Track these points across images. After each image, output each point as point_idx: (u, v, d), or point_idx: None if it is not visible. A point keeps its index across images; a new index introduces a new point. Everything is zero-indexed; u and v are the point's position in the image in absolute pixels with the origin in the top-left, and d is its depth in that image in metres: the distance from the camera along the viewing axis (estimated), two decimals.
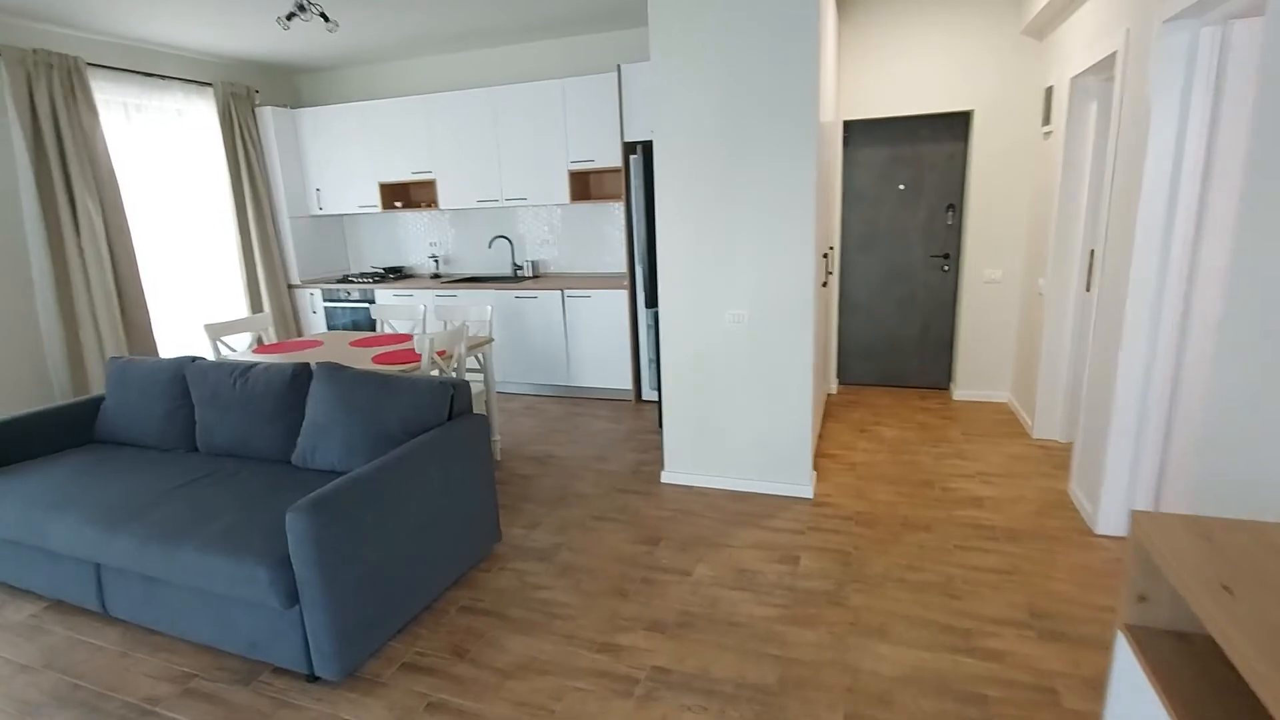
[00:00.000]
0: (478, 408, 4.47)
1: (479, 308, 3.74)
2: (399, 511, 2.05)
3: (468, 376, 5.02)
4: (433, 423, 2.35)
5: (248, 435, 2.65)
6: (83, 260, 4.07)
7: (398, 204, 5.33)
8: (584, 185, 4.81)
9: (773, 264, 2.82)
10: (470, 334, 3.79)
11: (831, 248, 4.22)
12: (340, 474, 2.41)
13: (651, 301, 3.88)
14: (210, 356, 4.33)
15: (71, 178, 3.99)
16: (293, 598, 1.82)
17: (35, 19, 3.84)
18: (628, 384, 4.56)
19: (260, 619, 1.91)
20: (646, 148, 3.83)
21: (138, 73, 4.41)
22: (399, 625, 2.07)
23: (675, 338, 3.06)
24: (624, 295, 4.40)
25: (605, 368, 4.59)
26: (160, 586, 2.08)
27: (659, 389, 4.16)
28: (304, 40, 4.57)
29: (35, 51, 3.78)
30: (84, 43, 4.15)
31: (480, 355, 3.49)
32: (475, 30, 4.49)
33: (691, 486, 3.16)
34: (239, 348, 3.96)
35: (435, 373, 3.15)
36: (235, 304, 5.17)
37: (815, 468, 3.20)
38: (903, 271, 4.45)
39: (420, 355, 2.98)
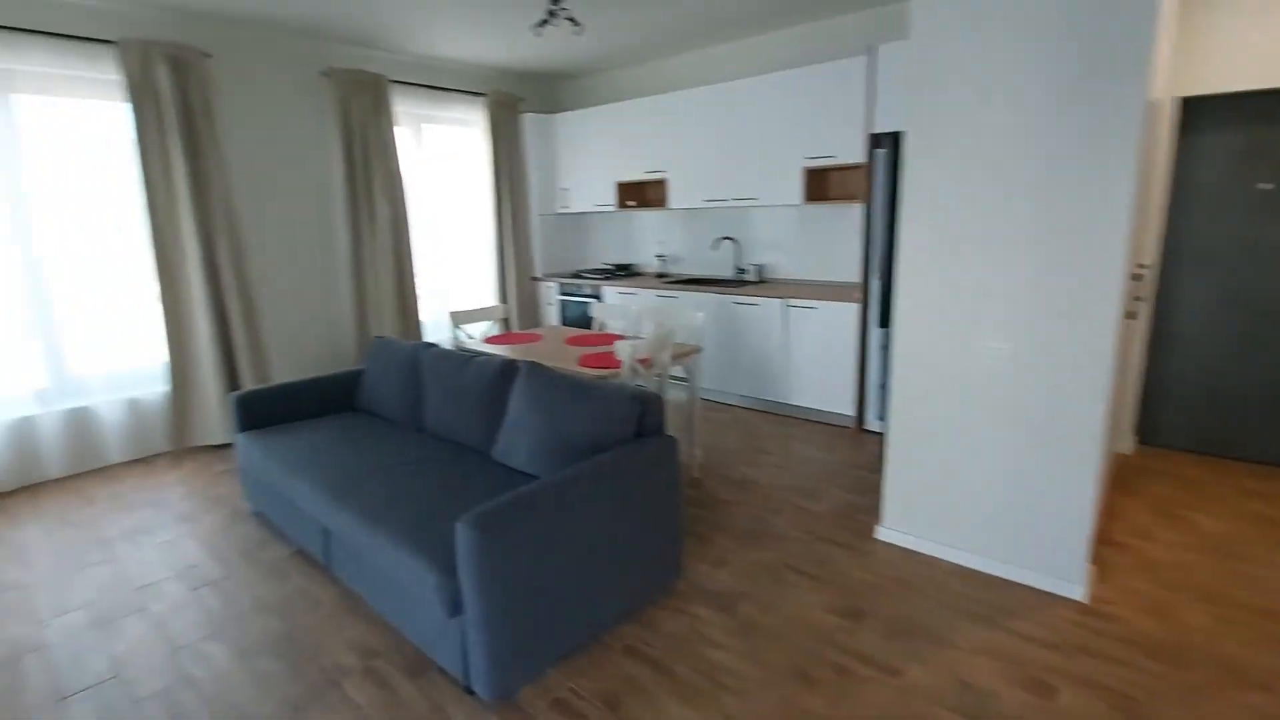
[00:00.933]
0: (680, 420, 4.31)
1: (690, 315, 3.56)
2: (570, 534, 1.92)
3: (672, 386, 4.90)
4: (618, 438, 2.20)
5: (460, 422, 2.78)
6: (374, 251, 4.75)
7: (631, 203, 5.39)
8: (821, 184, 4.36)
9: (1056, 285, 2.16)
10: (678, 340, 3.63)
11: (1144, 266, 3.24)
12: (529, 476, 2.39)
13: (886, 319, 3.34)
14: (449, 342, 4.81)
15: (372, 181, 4.66)
16: (456, 607, 1.79)
17: (354, 44, 4.54)
18: (849, 409, 4.04)
19: (432, 618, 1.92)
20: (896, 141, 3.29)
21: (427, 87, 5.01)
22: (562, 653, 1.96)
23: (911, 365, 2.54)
24: (854, 309, 3.88)
25: (825, 388, 4.12)
26: (367, 561, 2.22)
27: (885, 421, 3.60)
28: (560, 48, 4.80)
29: (349, 71, 4.46)
30: (388, 63, 4.81)
31: (687, 365, 3.30)
32: (717, 22, 4.30)
33: (913, 551, 2.62)
34: (476, 335, 4.29)
35: (637, 382, 3.03)
36: (486, 293, 5.69)
37: (1093, 559, 2.43)
38: (1252, 299, 3.27)
39: (621, 361, 2.88)
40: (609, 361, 3.01)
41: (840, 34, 4.31)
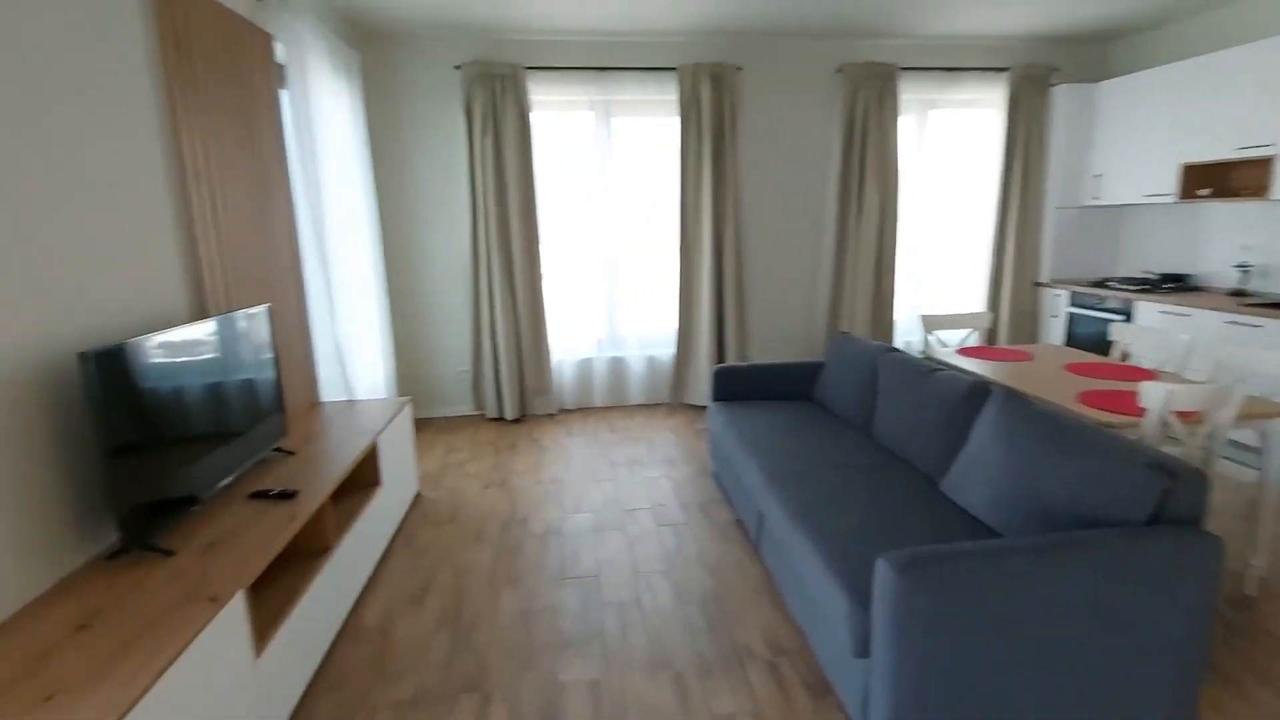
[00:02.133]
0: (1236, 510, 3.05)
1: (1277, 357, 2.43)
2: (1020, 622, 1.54)
3: (1225, 461, 3.50)
4: (1121, 517, 1.66)
5: (911, 439, 2.55)
6: (857, 244, 4.76)
7: (1203, 191, 3.99)
8: None
9: None
10: (1252, 394, 2.54)
11: None
12: (981, 525, 2.03)
13: None
14: (918, 348, 4.44)
15: (865, 172, 4.65)
16: (863, 647, 1.65)
17: (867, 36, 4.52)
18: None
19: (839, 644, 1.83)
20: None
21: (939, 69, 4.66)
22: None
23: None
24: None
25: None
26: (788, 554, 2.26)
27: None
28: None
29: (861, 65, 4.47)
30: (898, 50, 4.65)
31: (1261, 432, 2.28)
32: None
33: None
34: (950, 344, 3.87)
35: (1167, 444, 2.24)
36: (972, 298, 5.10)
37: None
38: None
39: (1147, 409, 2.16)
40: (1126, 405, 2.30)
41: None
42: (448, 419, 4.72)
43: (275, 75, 2.93)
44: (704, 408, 4.86)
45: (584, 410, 4.84)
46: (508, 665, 2.08)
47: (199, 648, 1.43)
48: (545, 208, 4.59)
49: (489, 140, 4.24)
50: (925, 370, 2.64)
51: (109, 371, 1.62)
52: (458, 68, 4.22)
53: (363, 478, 2.73)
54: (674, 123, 4.57)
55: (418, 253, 4.54)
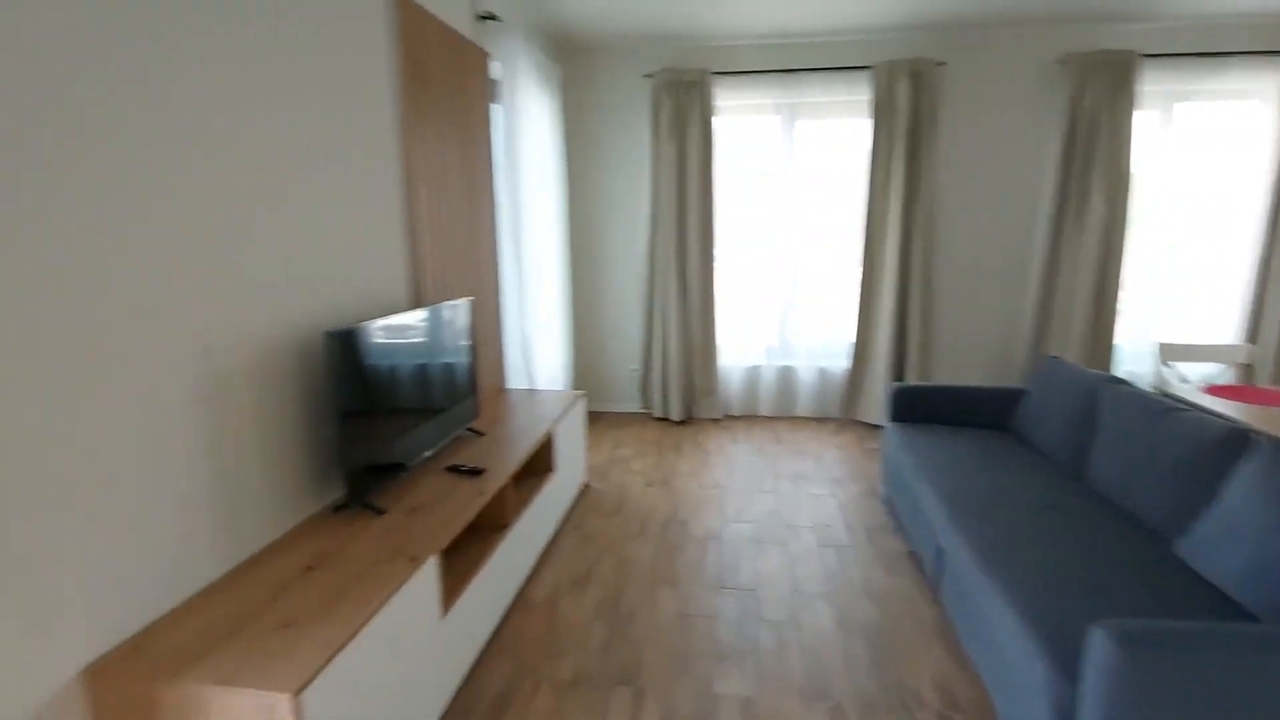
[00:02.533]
0: None
1: None
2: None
3: None
4: None
5: (1138, 488, 2.19)
6: (1074, 258, 4.19)
7: None
8: None
9: None
10: None
11: None
12: (1228, 600, 1.68)
13: None
14: (1149, 381, 3.78)
15: (1090, 176, 4.07)
16: None
17: (1096, 21, 3.95)
18: None
19: (1031, 713, 1.61)
20: None
21: (1193, 55, 3.95)
22: None
23: None
24: None
25: None
26: (972, 600, 2.04)
27: None
28: None
29: (1089, 54, 3.92)
30: (1136, 35, 4.00)
31: None
32: None
33: None
34: (1191, 379, 3.27)
35: None
36: (1224, 326, 4.26)
37: None
38: None
39: None
40: None
41: None
42: (616, 415, 4.90)
43: (489, 90, 3.23)
44: (878, 427, 4.56)
45: (749, 418, 4.77)
46: (662, 665, 2.10)
47: (400, 600, 1.60)
48: (722, 213, 4.59)
49: (672, 147, 4.33)
50: (1162, 409, 2.24)
51: (345, 349, 1.88)
52: (647, 76, 4.36)
53: (539, 463, 2.92)
54: (863, 124, 4.34)
55: (599, 255, 4.77)
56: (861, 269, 4.40)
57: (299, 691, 1.24)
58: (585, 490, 3.50)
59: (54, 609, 1.25)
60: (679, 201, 4.43)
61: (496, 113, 3.43)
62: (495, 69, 3.34)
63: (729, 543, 2.90)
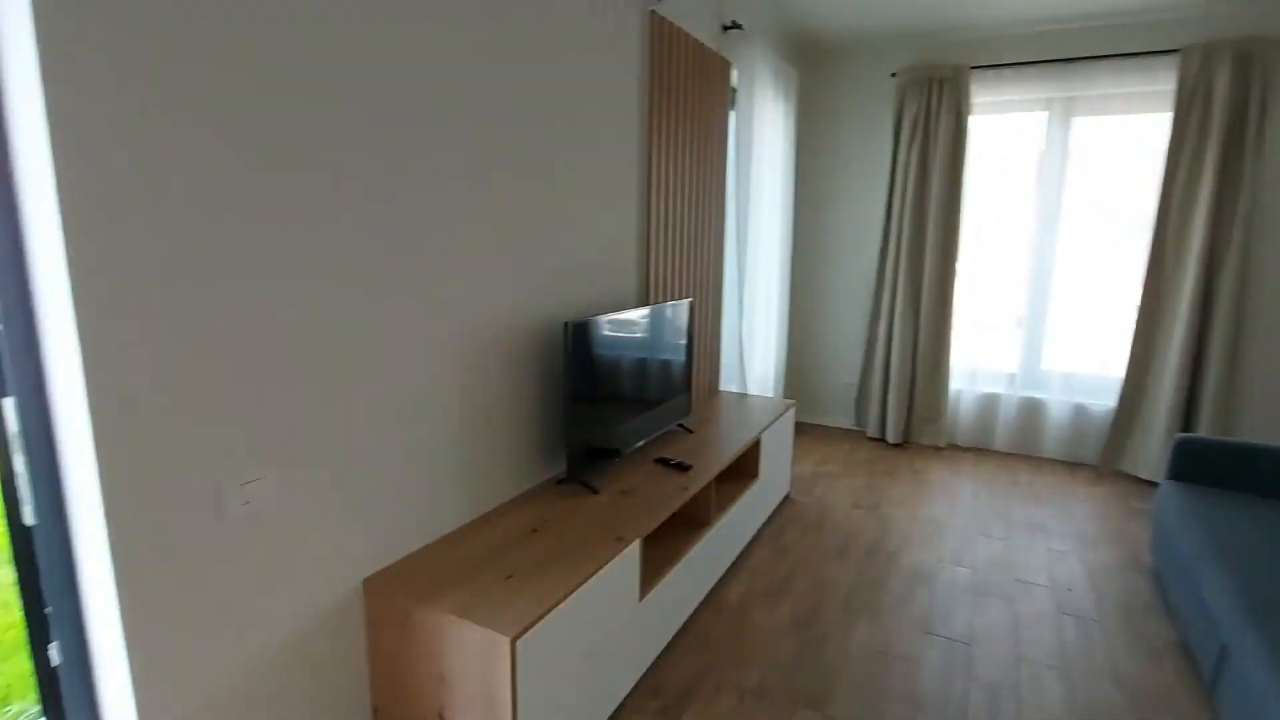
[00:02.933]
0: None
1: None
2: None
3: None
4: None
5: None
6: None
7: None
8: None
9: None
10: None
11: None
12: None
13: None
14: None
15: None
16: None
17: None
18: None
19: None
20: None
21: None
22: None
23: None
24: None
25: None
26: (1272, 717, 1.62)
27: None
28: None
29: None
30: None
31: None
32: None
33: None
34: None
35: None
36: None
37: None
38: None
39: None
40: None
41: None
42: (825, 429, 4.71)
43: (728, 97, 3.30)
44: (1150, 484, 3.80)
45: (979, 451, 4.28)
46: (853, 698, 1.98)
47: (605, 575, 1.72)
48: (969, 222, 4.16)
49: (915, 149, 4.02)
50: None
51: (579, 339, 2.06)
52: (893, 75, 4.10)
53: (744, 467, 2.92)
54: (1159, 121, 3.63)
55: (822, 262, 4.62)
56: (1142, 294, 3.69)
57: (517, 637, 1.40)
58: (787, 501, 3.43)
59: (351, 530, 1.56)
60: (917, 208, 4.11)
61: (730, 119, 3.49)
62: (733, 76, 3.41)
63: (942, 585, 2.64)
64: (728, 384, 3.76)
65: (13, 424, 1.14)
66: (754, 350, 3.94)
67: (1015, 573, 2.74)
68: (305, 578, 1.46)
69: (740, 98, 3.48)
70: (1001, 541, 3.03)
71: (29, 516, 1.18)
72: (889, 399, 4.31)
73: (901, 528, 3.14)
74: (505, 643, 1.39)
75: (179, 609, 1.23)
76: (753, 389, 3.95)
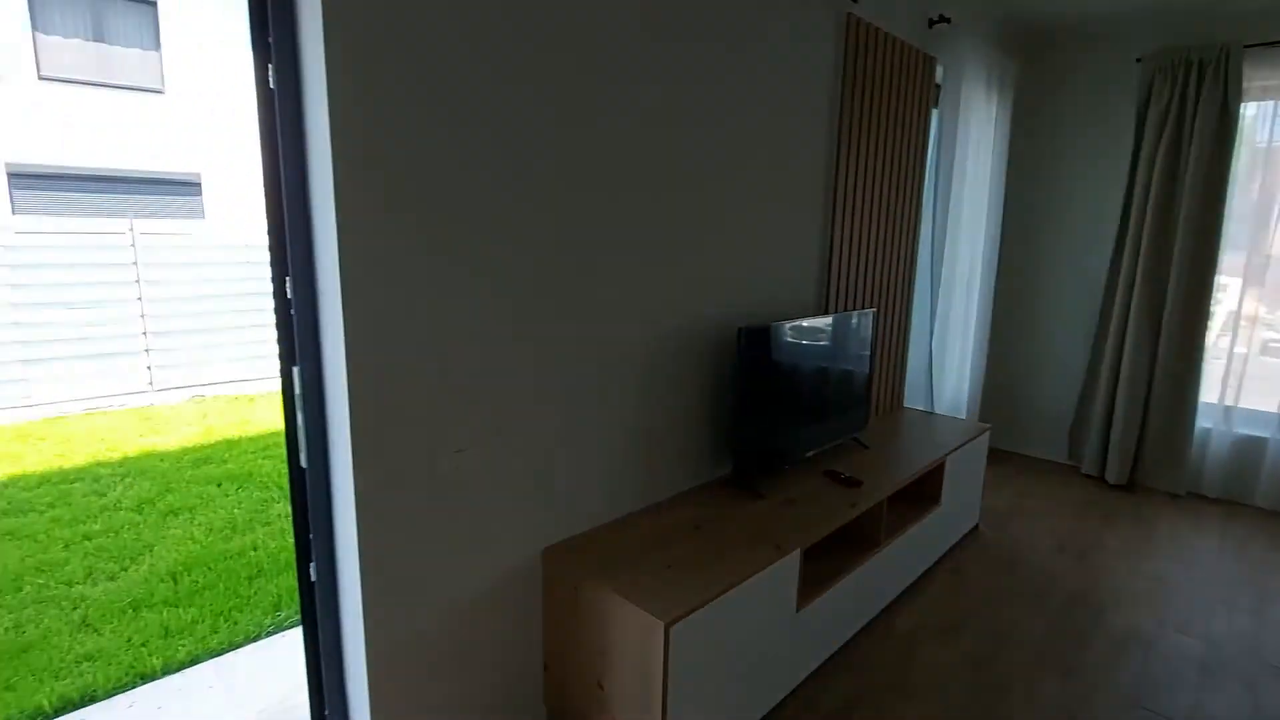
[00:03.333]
0: None
1: None
2: None
3: None
4: None
5: None
6: None
7: None
8: None
9: None
10: None
11: None
12: None
13: None
14: None
15: None
16: None
17: None
18: None
19: None
20: None
21: None
22: None
23: None
24: None
25: None
26: None
27: None
28: None
29: None
30: None
31: None
32: None
33: None
34: None
35: None
36: None
37: None
38: None
39: None
40: None
41: None
42: (1028, 459, 4.22)
43: (931, 95, 3.10)
44: None
45: (1231, 505, 3.57)
46: None
47: (762, 579, 1.74)
48: (1234, 230, 3.48)
49: (1165, 144, 3.45)
50: None
51: (754, 344, 2.09)
52: (1138, 60, 3.55)
53: (924, 491, 2.74)
54: None
55: (1035, 273, 4.14)
56: None
57: (672, 624, 1.48)
58: (974, 534, 3.14)
59: (536, 503, 1.75)
60: (1164, 213, 3.52)
61: (932, 118, 3.28)
62: (938, 72, 3.19)
63: (1162, 655, 2.26)
64: (913, 400, 3.54)
65: (298, 387, 1.46)
66: (946, 366, 3.65)
67: (1266, 655, 2.27)
68: (496, 539, 1.67)
69: (945, 94, 3.25)
70: (1250, 615, 2.51)
71: (303, 461, 1.50)
72: (1113, 432, 3.75)
73: (1115, 581, 2.73)
74: (660, 627, 1.47)
75: (400, 549, 1.48)
76: (942, 408, 3.67)
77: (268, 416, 5.47)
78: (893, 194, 2.98)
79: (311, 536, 1.53)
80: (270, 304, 1.48)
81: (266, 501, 3.75)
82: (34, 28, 7.43)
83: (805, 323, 2.34)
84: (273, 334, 1.49)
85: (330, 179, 1.28)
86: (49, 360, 5.58)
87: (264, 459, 4.43)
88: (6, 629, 2.51)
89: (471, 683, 1.68)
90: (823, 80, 2.47)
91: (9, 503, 3.67)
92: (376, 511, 1.43)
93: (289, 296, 1.42)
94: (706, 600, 1.57)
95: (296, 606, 2.63)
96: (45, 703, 2.09)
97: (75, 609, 2.65)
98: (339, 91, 1.26)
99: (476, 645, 1.67)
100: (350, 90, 1.27)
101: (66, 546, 3.18)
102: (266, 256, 1.45)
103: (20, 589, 2.80)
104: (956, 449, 2.78)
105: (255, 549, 3.17)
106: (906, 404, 3.48)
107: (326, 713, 1.61)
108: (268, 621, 2.55)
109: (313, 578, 1.56)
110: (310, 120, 1.32)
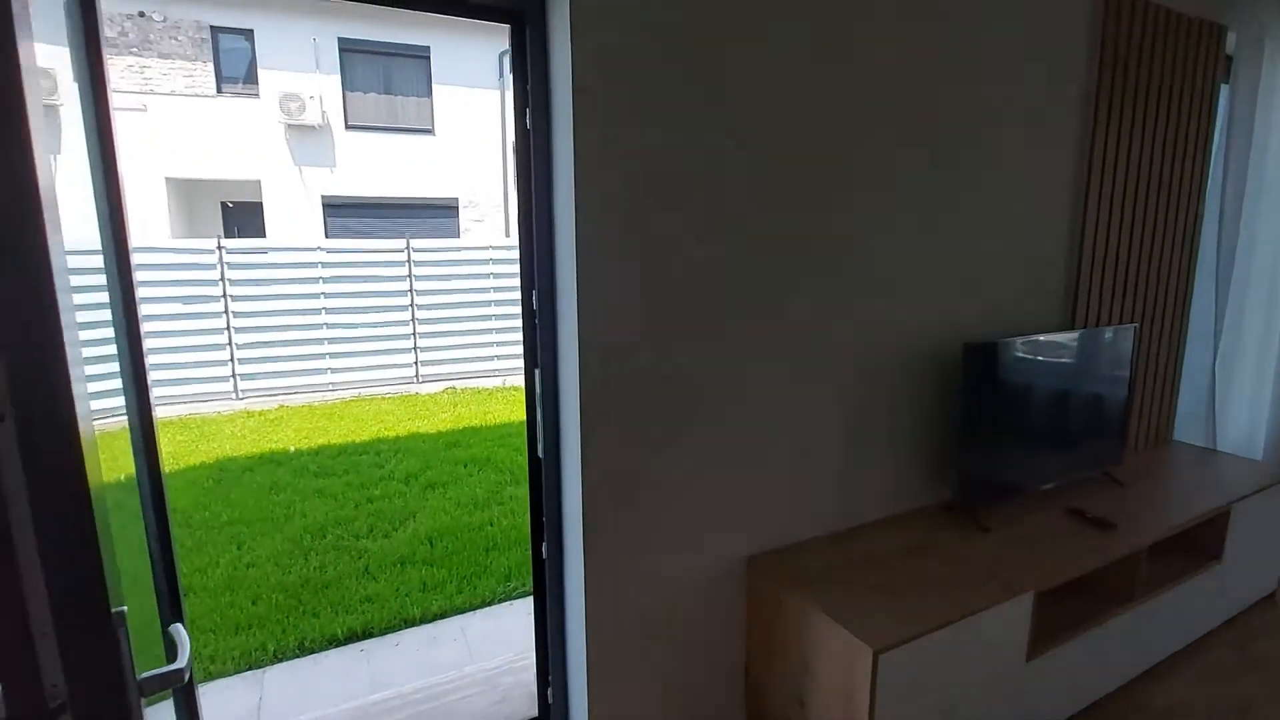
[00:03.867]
0: None
1: None
2: None
3: None
4: None
5: None
6: None
7: None
8: None
9: None
10: None
11: None
12: None
13: None
14: None
15: None
16: None
17: None
18: None
19: None
20: None
21: None
22: None
23: None
24: None
25: None
26: None
27: None
28: None
29: None
30: None
31: None
32: None
33: None
34: None
35: None
36: None
37: None
38: None
39: None
40: None
41: None
42: None
43: (1218, 69, 2.59)
44: None
45: None
46: None
47: (987, 619, 1.60)
48: None
49: None
50: None
51: (983, 361, 1.93)
52: None
53: (1200, 543, 2.29)
54: None
55: None
56: None
57: (881, 651, 1.42)
58: (1268, 602, 2.55)
59: (742, 511, 1.79)
60: None
61: (1221, 95, 2.73)
62: (1229, 41, 2.65)
63: None
64: (1185, 434, 2.97)
65: (538, 387, 1.67)
66: (1234, 395, 3.01)
67: None
68: (703, 540, 1.74)
69: (1240, 66, 2.69)
70: None
71: (540, 452, 1.70)
72: None
73: None
74: (869, 653, 1.43)
75: (618, 538, 1.62)
76: (1226, 445, 3.02)
77: (504, 409, 6.21)
78: (1163, 191, 2.54)
79: (544, 519, 1.73)
80: (512, 310, 1.71)
81: (501, 484, 4.27)
82: (344, 86, 9.24)
83: (1047, 338, 2.10)
84: (509, 337, 1.71)
85: (571, 209, 1.45)
86: (346, 355, 6.94)
87: (499, 447, 5.03)
88: (314, 568, 3.16)
89: (677, 671, 1.77)
90: (1073, 60, 2.20)
91: (320, 467, 4.62)
92: (596, 498, 1.58)
93: (534, 308, 1.63)
94: (924, 631, 1.49)
95: (524, 579, 2.97)
96: (339, 631, 2.61)
97: (360, 558, 3.26)
98: (584, 135, 1.42)
99: (682, 635, 1.76)
100: (594, 137, 1.43)
101: (356, 506, 3.91)
102: (507, 270, 1.68)
103: (325, 536, 3.51)
104: (1247, 497, 2.28)
105: (491, 524, 3.63)
106: (1176, 437, 2.93)
107: (550, 677, 1.81)
108: (500, 590, 2.91)
109: (544, 555, 1.76)
110: (557, 156, 1.51)
